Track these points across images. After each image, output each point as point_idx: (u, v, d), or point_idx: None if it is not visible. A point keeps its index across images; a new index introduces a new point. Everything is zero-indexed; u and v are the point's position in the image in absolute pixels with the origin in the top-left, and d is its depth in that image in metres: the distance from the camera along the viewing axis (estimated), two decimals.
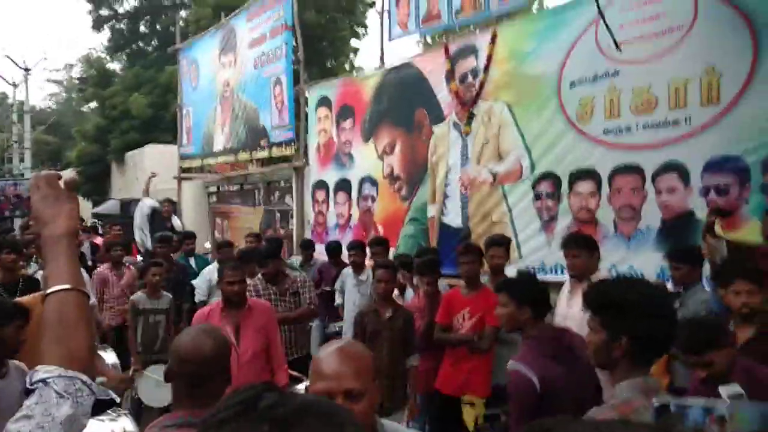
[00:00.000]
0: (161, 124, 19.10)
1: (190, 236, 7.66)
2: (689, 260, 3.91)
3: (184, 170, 13.66)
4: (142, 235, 8.95)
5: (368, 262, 6.16)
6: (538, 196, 6.13)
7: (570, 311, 3.77)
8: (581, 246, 3.98)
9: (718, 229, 3.76)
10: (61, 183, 1.22)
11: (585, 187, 5.72)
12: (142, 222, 9.02)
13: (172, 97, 16.37)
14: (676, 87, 5.01)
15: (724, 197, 4.75)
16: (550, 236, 5.93)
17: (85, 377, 1.03)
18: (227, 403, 0.72)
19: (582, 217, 5.75)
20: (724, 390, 1.83)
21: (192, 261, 7.25)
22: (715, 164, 4.83)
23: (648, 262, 5.21)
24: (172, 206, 9.40)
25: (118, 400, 1.10)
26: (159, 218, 9.07)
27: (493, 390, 4.06)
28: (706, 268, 3.94)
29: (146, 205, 9.35)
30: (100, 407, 1.05)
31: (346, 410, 0.76)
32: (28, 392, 1.00)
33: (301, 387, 3.80)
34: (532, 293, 2.81)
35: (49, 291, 1.09)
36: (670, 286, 4.30)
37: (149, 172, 10.20)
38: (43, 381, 0.99)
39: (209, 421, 0.71)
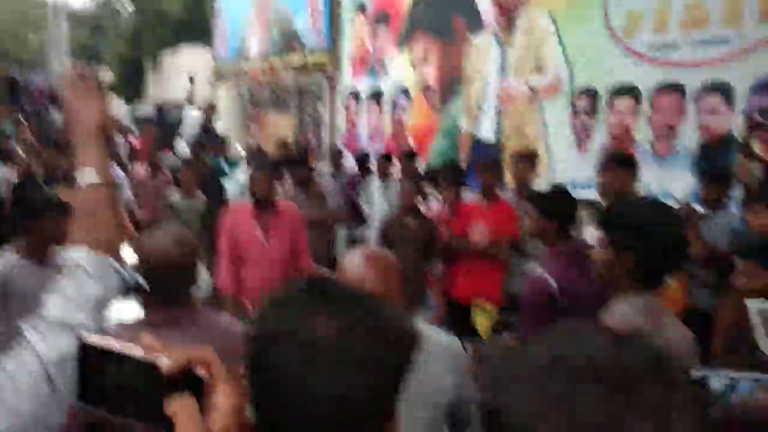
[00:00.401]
0: (196, 26, 18.84)
1: (225, 140, 7.79)
2: (719, 181, 3.83)
3: (218, 74, 13.59)
4: (183, 147, 9.08)
5: (396, 174, 6.18)
6: (575, 112, 5.98)
7: None
8: (621, 167, 3.83)
9: (756, 148, 3.64)
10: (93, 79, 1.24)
11: (624, 103, 5.55)
12: (188, 138, 9.17)
13: None
14: (731, 1, 4.72)
15: None
16: (583, 153, 5.83)
17: (113, 261, 1.08)
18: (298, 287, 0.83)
19: (618, 134, 5.62)
20: (752, 305, 1.83)
21: (224, 165, 7.34)
22: (764, 86, 4.62)
23: (682, 184, 5.13)
24: (212, 110, 9.43)
25: (147, 287, 1.16)
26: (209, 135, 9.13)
27: (507, 298, 4.15)
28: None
29: (195, 121, 9.48)
30: (126, 291, 1.11)
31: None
32: (60, 270, 1.05)
33: None
34: (560, 208, 2.80)
35: (80, 181, 1.13)
36: (699, 207, 4.25)
37: (186, 75, 10.18)
38: (76, 264, 1.04)
39: (279, 299, 0.82)
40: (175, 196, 5.64)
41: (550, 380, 0.59)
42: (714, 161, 4.78)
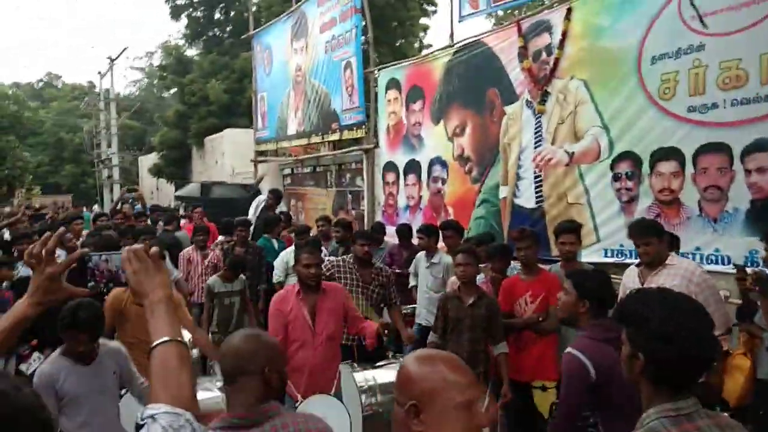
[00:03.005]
0: (238, 109, 19.66)
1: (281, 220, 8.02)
2: None
3: (259, 153, 14.05)
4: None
5: (440, 245, 6.15)
6: (616, 177, 5.92)
7: None
8: (651, 233, 3.81)
9: None
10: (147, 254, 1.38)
11: (668, 167, 5.47)
12: (253, 215, 9.53)
13: (247, 83, 16.80)
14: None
15: None
16: (629, 218, 5.71)
17: (189, 415, 1.15)
18: None
19: (664, 198, 5.51)
20: None
21: (275, 243, 7.45)
22: None
23: (735, 246, 4.96)
24: (275, 197, 9.71)
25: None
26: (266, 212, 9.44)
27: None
28: None
29: (261, 201, 9.89)
30: None
31: None
32: (139, 428, 1.12)
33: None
34: (594, 289, 2.76)
35: (153, 344, 1.25)
36: (758, 270, 4.09)
37: (229, 156, 10.63)
38: (152, 417, 1.12)
39: None
40: (215, 279, 5.75)
41: None
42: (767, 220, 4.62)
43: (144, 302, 1.30)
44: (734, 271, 4.52)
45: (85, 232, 8.24)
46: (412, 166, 8.86)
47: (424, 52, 16.12)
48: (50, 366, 3.07)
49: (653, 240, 3.77)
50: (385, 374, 3.95)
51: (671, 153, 5.42)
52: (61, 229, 1.79)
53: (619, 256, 5.77)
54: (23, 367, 4.09)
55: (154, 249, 1.38)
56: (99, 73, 28.77)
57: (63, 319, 2.99)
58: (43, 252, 1.44)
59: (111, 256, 1.49)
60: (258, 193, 10.25)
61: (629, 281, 3.90)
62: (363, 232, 5.43)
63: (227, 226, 7.63)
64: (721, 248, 5.09)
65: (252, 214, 9.67)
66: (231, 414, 1.79)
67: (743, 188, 4.94)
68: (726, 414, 3.54)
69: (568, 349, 2.63)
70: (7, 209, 14.04)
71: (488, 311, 4.12)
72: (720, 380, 3.69)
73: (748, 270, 4.18)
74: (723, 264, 5.05)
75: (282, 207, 10.23)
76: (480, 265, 5.11)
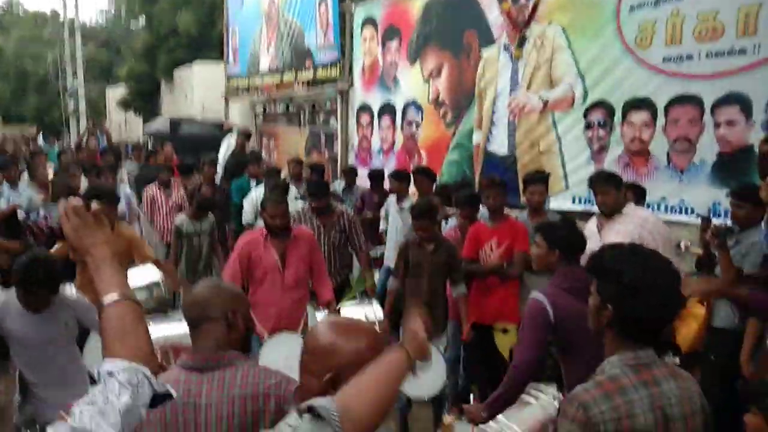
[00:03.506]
0: (208, 43, 18.98)
1: (257, 158, 7.83)
2: (752, 199, 3.75)
3: (230, 89, 13.71)
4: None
5: (412, 189, 6.15)
6: (589, 125, 5.93)
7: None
8: (610, 183, 3.93)
9: None
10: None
11: (639, 117, 5.50)
12: (223, 156, 9.30)
13: (219, 15, 16.17)
14: (747, 12, 4.66)
15: None
16: (599, 166, 5.76)
17: (146, 370, 1.14)
18: None
19: (634, 147, 5.56)
20: None
21: (252, 183, 7.31)
22: None
23: (700, 197, 5.06)
24: (245, 138, 9.46)
25: (174, 395, 1.20)
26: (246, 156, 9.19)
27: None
28: None
29: (231, 143, 9.64)
30: (158, 400, 1.15)
31: None
32: (94, 382, 1.11)
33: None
34: (564, 238, 2.83)
35: (105, 303, 1.22)
36: (720, 221, 4.19)
37: (199, 91, 10.31)
38: (109, 372, 1.10)
39: None
40: (182, 219, 5.66)
41: None
42: (734, 175, 4.70)
43: (87, 259, 1.27)
44: (698, 221, 4.63)
45: (51, 170, 8.05)
46: (387, 109, 8.74)
47: None
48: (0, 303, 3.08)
49: (611, 190, 3.89)
50: (348, 312, 4.21)
51: (644, 103, 5.44)
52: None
53: (587, 203, 5.84)
54: None
55: (95, 205, 1.33)
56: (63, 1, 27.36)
57: (17, 274, 2.95)
58: None
59: (51, 213, 1.44)
60: (228, 131, 10.03)
61: (588, 230, 3.99)
62: (312, 187, 5.34)
63: (188, 167, 7.44)
64: (686, 199, 5.19)
65: (222, 154, 9.49)
66: (191, 356, 1.82)
67: (712, 141, 5.00)
68: (677, 361, 3.72)
69: (533, 294, 2.73)
70: None
71: (448, 256, 4.18)
72: (672, 327, 3.83)
73: (714, 222, 4.28)
74: (687, 214, 5.16)
75: (253, 145, 10.02)
76: (450, 211, 5.16)
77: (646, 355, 1.67)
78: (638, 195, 4.62)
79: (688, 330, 3.87)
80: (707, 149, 5.04)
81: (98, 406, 1.05)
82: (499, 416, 2.67)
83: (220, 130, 12.90)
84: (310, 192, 5.23)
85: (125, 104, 23.15)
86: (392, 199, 6.00)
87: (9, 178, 5.92)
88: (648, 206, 4.86)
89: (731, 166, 4.86)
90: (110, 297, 1.22)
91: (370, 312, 4.63)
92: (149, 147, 12.92)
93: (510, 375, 2.65)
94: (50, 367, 3.09)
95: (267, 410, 1.73)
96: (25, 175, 6.92)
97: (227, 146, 9.72)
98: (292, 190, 6.51)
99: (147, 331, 1.24)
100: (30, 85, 33.64)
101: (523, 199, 4.83)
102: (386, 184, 6.82)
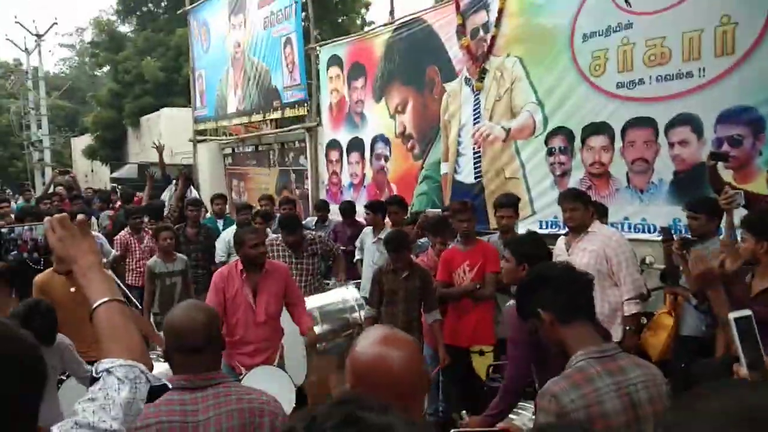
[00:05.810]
0: (175, 88, 19.10)
1: (220, 197, 7.76)
2: (706, 210, 3.93)
3: (199, 133, 13.74)
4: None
5: (386, 220, 6.23)
6: (550, 152, 6.14)
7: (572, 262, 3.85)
8: (578, 200, 4.06)
9: (730, 179, 3.76)
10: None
11: (598, 141, 5.72)
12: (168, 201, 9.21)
13: (184, 60, 16.34)
14: (690, 38, 4.95)
15: (737, 148, 4.74)
16: (562, 190, 5.96)
17: (142, 366, 1.19)
18: (330, 413, 0.81)
19: (595, 171, 5.77)
20: (732, 314, 1.85)
21: (220, 223, 7.32)
22: (729, 115, 4.81)
23: (660, 215, 5.25)
24: (187, 179, 9.38)
25: (170, 387, 1.25)
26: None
27: (500, 342, 4.19)
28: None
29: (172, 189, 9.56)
30: (154, 394, 1.20)
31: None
32: (94, 381, 1.16)
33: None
34: (531, 252, 2.91)
35: (94, 306, 1.26)
36: (681, 235, 4.37)
37: (158, 141, 10.22)
38: (107, 370, 1.15)
39: (316, 428, 0.79)
40: (155, 260, 5.66)
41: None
42: (691, 191, 4.90)
43: (73, 268, 1.31)
44: (660, 238, 4.80)
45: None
46: (355, 144, 8.89)
47: (366, 29, 16.06)
48: None
49: (579, 206, 4.01)
50: (317, 300, 4.67)
51: (601, 128, 5.67)
52: None
53: (554, 227, 6.01)
54: None
55: (80, 216, 1.39)
56: (26, 50, 27.20)
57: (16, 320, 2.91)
58: None
59: (36, 226, 1.49)
60: (170, 180, 9.82)
61: (558, 248, 4.13)
62: (284, 221, 5.49)
63: (155, 209, 7.32)
64: (648, 218, 5.38)
65: (167, 199, 9.33)
66: (183, 377, 1.87)
67: (667, 160, 5.23)
68: None
69: (509, 302, 2.77)
70: None
71: (422, 282, 4.26)
72: (637, 339, 3.96)
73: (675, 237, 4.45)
74: (649, 232, 5.35)
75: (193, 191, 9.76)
76: (422, 239, 5.27)
77: (610, 348, 1.81)
78: (600, 213, 4.78)
79: (657, 340, 4.00)
80: (664, 168, 5.27)
81: (99, 402, 1.10)
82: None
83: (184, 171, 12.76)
84: (282, 226, 5.30)
85: (92, 153, 22.95)
86: (368, 230, 6.09)
87: None
88: (612, 226, 5.02)
89: (687, 183, 5.08)
90: (100, 300, 1.26)
91: (348, 294, 4.97)
92: (119, 194, 12.78)
93: (506, 388, 2.68)
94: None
95: (262, 424, 1.81)
96: None
97: (169, 194, 9.52)
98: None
99: (136, 329, 1.29)
100: None
101: (492, 224, 4.96)
102: (358, 216, 6.90)
